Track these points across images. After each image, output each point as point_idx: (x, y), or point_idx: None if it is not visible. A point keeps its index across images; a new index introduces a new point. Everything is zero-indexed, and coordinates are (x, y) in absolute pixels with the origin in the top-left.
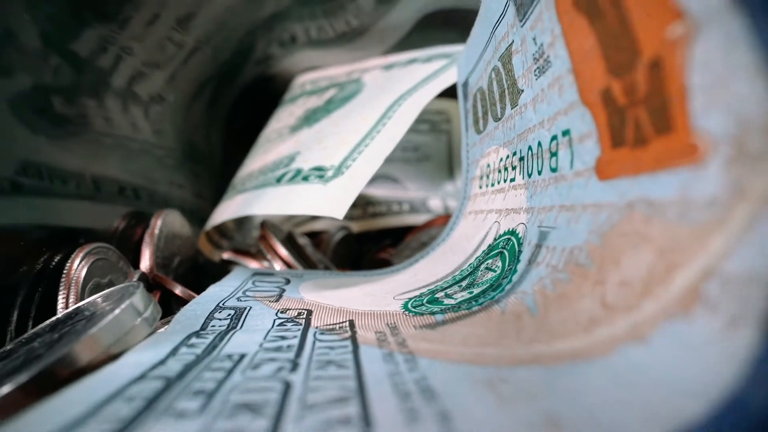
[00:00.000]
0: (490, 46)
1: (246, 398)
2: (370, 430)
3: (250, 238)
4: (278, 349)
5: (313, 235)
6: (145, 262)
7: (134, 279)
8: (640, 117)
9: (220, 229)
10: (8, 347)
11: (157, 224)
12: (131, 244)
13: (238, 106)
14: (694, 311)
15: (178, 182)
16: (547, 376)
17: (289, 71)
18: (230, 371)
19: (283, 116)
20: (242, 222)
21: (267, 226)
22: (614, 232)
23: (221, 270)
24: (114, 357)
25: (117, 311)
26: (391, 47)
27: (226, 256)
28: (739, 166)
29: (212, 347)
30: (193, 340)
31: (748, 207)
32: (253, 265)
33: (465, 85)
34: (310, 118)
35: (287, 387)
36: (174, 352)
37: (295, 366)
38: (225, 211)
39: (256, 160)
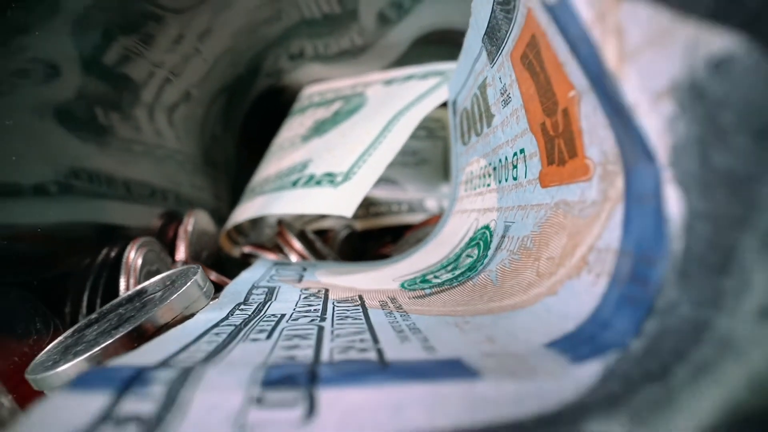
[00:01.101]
0: (471, 76)
1: (295, 332)
2: (377, 345)
3: (263, 236)
4: (308, 311)
5: (321, 233)
6: (181, 254)
7: (177, 267)
8: (560, 145)
9: (238, 227)
10: (94, 316)
11: (189, 222)
12: (167, 240)
13: (250, 115)
14: (582, 272)
15: (198, 185)
16: (494, 319)
17: (298, 83)
18: (277, 322)
19: (294, 126)
20: (257, 221)
21: (283, 223)
22: (547, 223)
23: (241, 263)
24: (186, 318)
25: (187, 285)
26: (392, 62)
27: (247, 249)
28: (604, 181)
29: (258, 311)
30: (242, 307)
31: (608, 206)
32: (271, 257)
33: (454, 103)
34: (320, 128)
35: (320, 329)
36: (231, 312)
37: (323, 318)
38: (246, 211)
39: (272, 166)
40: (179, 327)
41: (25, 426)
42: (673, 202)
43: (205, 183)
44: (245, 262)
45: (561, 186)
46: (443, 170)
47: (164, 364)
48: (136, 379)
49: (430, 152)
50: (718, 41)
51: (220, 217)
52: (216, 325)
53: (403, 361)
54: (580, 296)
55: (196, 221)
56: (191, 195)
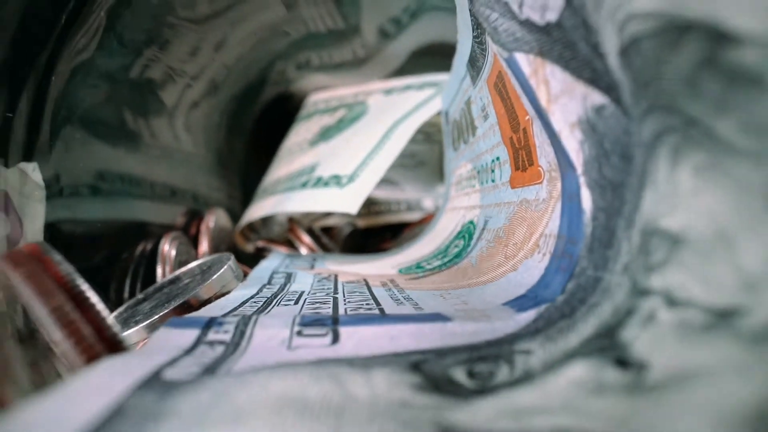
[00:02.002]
0: (459, 92)
1: (315, 301)
2: (379, 306)
3: (273, 232)
4: (322, 288)
5: (327, 230)
6: (204, 247)
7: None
8: (523, 155)
9: (250, 225)
10: (141, 296)
11: (211, 219)
12: (190, 235)
13: (260, 120)
14: (534, 253)
15: (214, 186)
16: (470, 291)
17: (304, 90)
18: (300, 296)
19: (301, 131)
20: (267, 219)
21: (294, 221)
22: (514, 217)
23: (254, 257)
24: (222, 295)
25: (223, 269)
26: (391, 72)
27: (261, 244)
28: (550, 184)
29: (281, 289)
30: (267, 287)
31: (552, 203)
32: (283, 250)
33: (446, 113)
34: (326, 134)
35: (335, 299)
36: (260, 290)
37: (335, 293)
38: (260, 210)
39: (282, 168)
40: (222, 299)
41: (149, 345)
42: (586, 200)
43: (220, 184)
44: (258, 255)
45: (524, 187)
46: (439, 172)
47: (226, 315)
48: (212, 321)
49: (427, 155)
50: (596, 96)
51: (233, 215)
52: (251, 298)
53: (398, 314)
54: (531, 270)
55: (216, 218)
56: (208, 195)
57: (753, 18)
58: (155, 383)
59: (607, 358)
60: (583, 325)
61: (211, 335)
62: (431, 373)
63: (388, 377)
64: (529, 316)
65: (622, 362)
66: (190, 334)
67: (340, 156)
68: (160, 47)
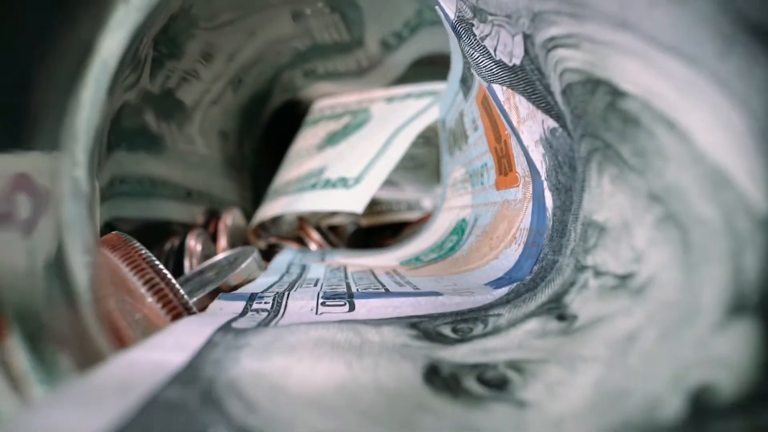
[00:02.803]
0: (454, 104)
1: (331, 284)
2: (384, 287)
3: (282, 230)
4: (334, 276)
5: (332, 229)
6: (222, 243)
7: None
8: (504, 162)
9: (261, 224)
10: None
11: (228, 217)
12: (209, 232)
13: (269, 125)
14: (512, 244)
15: (227, 187)
16: (459, 276)
17: (310, 97)
18: (317, 281)
19: (308, 136)
20: (276, 218)
21: (304, 219)
22: (498, 215)
23: (265, 253)
24: (248, 282)
25: (249, 260)
26: (392, 80)
27: (273, 240)
28: (524, 187)
29: (299, 277)
30: (286, 275)
31: (526, 203)
32: (294, 246)
33: (443, 121)
34: (332, 140)
35: (347, 283)
36: (281, 278)
37: (346, 278)
38: (272, 209)
39: (292, 171)
40: (250, 284)
41: (211, 310)
42: (548, 200)
43: (232, 185)
44: (270, 251)
45: (505, 189)
46: (437, 173)
47: (263, 292)
48: (254, 296)
49: (426, 158)
50: (551, 121)
51: (245, 214)
52: (275, 283)
53: (400, 291)
54: (509, 257)
55: (232, 217)
56: (221, 196)
57: (634, 83)
58: (229, 329)
59: (552, 315)
60: (541, 295)
61: (255, 305)
62: (425, 329)
63: (393, 330)
64: (503, 291)
65: (562, 317)
66: (239, 304)
67: (346, 160)
68: (180, 57)
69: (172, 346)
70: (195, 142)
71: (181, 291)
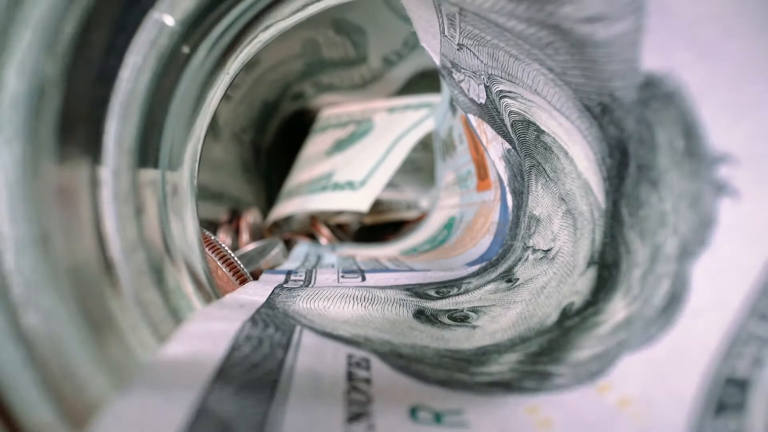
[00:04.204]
0: (445, 119)
1: (345, 265)
2: (383, 265)
3: (292, 228)
4: (345, 261)
5: (339, 226)
6: (245, 238)
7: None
8: (481, 170)
9: (275, 221)
10: None
11: (249, 215)
12: (231, 229)
13: (279, 131)
14: (486, 234)
15: (243, 188)
16: (446, 260)
17: (318, 106)
18: (332, 264)
19: (317, 142)
20: (288, 217)
21: (315, 217)
22: (478, 212)
23: None
24: (275, 266)
25: (277, 249)
26: (393, 92)
27: (287, 235)
28: (495, 190)
29: (316, 262)
30: (305, 262)
31: (496, 202)
32: (306, 241)
33: (437, 132)
34: (339, 146)
35: (357, 265)
36: (302, 264)
37: (356, 263)
38: (287, 208)
39: (303, 174)
40: (282, 265)
41: (262, 280)
42: (509, 201)
43: (248, 187)
44: (285, 245)
45: (483, 191)
46: (433, 175)
47: (295, 269)
48: (290, 272)
49: (424, 162)
50: (507, 143)
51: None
52: (299, 267)
53: (399, 269)
54: (483, 245)
55: (253, 215)
56: (240, 196)
57: (546, 126)
58: (282, 288)
59: (503, 280)
60: (500, 268)
61: (293, 277)
62: (416, 291)
63: (394, 292)
64: (475, 268)
65: (509, 280)
66: (281, 276)
67: (352, 165)
68: None
69: (253, 293)
70: (213, 147)
71: (242, 265)
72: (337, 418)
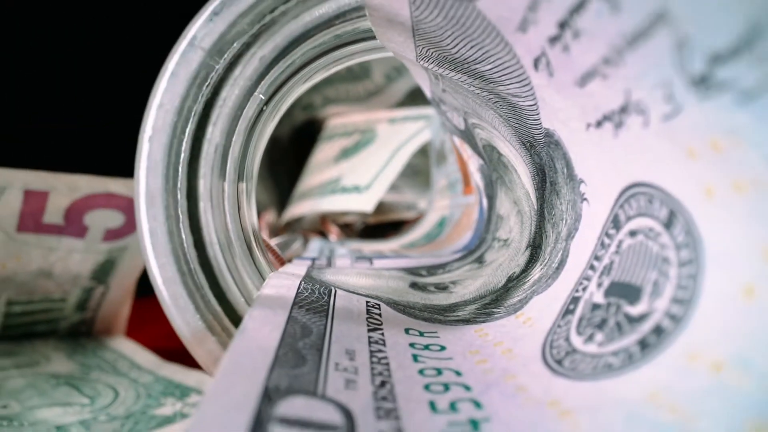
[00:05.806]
0: (439, 132)
1: (356, 255)
2: (386, 255)
3: (303, 227)
4: (355, 253)
5: (345, 225)
6: (264, 235)
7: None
8: (465, 177)
9: (288, 221)
10: None
11: (269, 216)
12: None
13: (290, 139)
14: (469, 230)
15: (258, 191)
16: (437, 251)
17: (325, 116)
18: (345, 255)
19: (325, 149)
20: (300, 217)
21: (326, 216)
22: (464, 212)
23: None
24: (297, 257)
25: (298, 243)
26: (394, 103)
27: (300, 233)
28: (476, 195)
29: (331, 254)
30: (323, 254)
31: (476, 205)
32: (317, 238)
33: (432, 143)
34: (346, 154)
35: (366, 256)
36: (319, 255)
37: (364, 255)
38: (299, 209)
39: (313, 178)
40: (305, 254)
41: (294, 263)
42: (484, 203)
43: (263, 190)
44: None
45: (467, 195)
46: (430, 179)
47: (317, 257)
48: (314, 260)
49: (422, 166)
50: (480, 161)
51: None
52: (318, 256)
53: (399, 256)
54: (466, 238)
55: (270, 215)
56: (258, 199)
57: (502, 150)
58: (312, 268)
59: (476, 262)
60: (475, 254)
61: (317, 263)
62: (412, 270)
63: (395, 271)
64: (457, 255)
65: (480, 262)
66: (308, 262)
67: (358, 170)
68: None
69: (295, 270)
70: None
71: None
72: (363, 329)
